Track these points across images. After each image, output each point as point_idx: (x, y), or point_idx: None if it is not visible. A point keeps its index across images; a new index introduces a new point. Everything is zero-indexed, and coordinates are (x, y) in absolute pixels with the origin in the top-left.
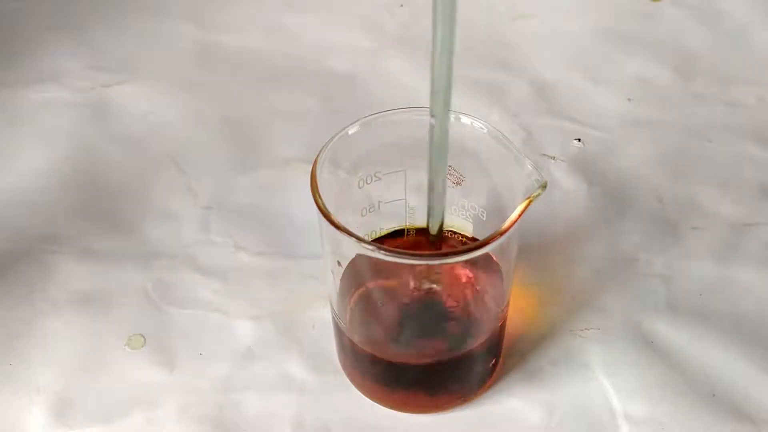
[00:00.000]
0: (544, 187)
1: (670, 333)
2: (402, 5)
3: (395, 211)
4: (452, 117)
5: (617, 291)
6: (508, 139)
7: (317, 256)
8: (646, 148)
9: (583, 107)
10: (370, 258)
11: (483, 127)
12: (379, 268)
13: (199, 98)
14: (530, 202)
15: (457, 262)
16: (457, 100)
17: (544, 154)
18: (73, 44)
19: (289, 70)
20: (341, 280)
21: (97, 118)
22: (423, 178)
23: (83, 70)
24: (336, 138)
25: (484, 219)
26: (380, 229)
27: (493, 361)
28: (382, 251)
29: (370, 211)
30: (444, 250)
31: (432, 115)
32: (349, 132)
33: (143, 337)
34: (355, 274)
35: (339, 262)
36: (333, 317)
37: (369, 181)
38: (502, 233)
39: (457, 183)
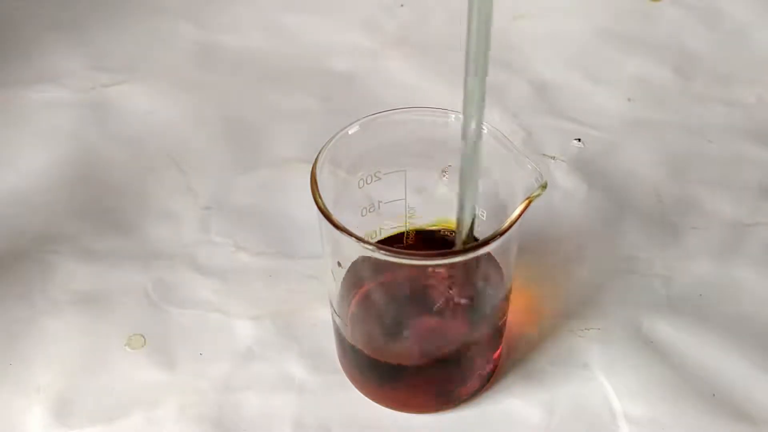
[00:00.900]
0: (544, 187)
1: (670, 333)
2: (402, 5)
3: (395, 211)
4: (453, 117)
5: (617, 291)
6: (508, 139)
7: (317, 256)
8: (646, 148)
9: (583, 107)
10: (369, 258)
11: (483, 127)
12: (379, 268)
13: (199, 98)
14: (530, 202)
15: (456, 263)
16: (457, 100)
17: (544, 154)
18: (73, 44)
19: (289, 70)
20: (341, 280)
21: (97, 118)
22: (423, 178)
23: (83, 70)
24: (336, 138)
25: (484, 219)
26: (380, 229)
27: (493, 361)
28: (382, 251)
29: (370, 211)
30: (444, 250)
31: (463, 139)
32: (349, 132)
33: (143, 337)
34: (355, 273)
35: (339, 263)
36: (333, 317)
37: (369, 181)
38: (502, 233)
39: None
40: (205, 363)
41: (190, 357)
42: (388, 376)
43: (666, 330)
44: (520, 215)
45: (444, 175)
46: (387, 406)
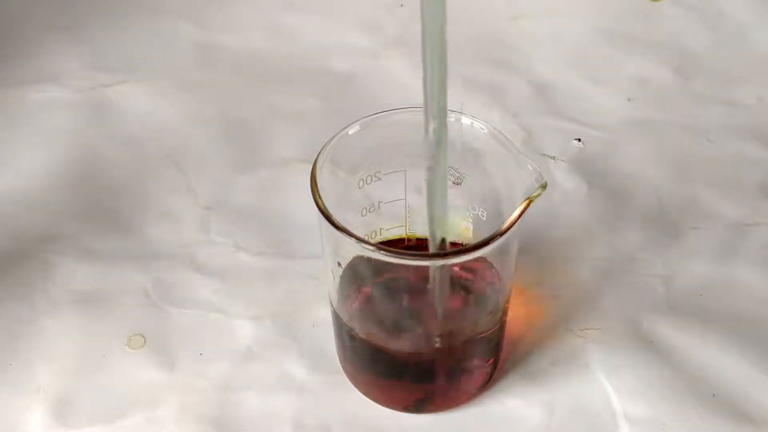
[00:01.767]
0: (544, 187)
1: (670, 333)
2: (402, 5)
3: (395, 211)
4: (453, 117)
5: (617, 291)
6: (508, 139)
7: (317, 256)
8: (646, 148)
9: (583, 107)
10: (369, 258)
11: (483, 127)
12: (379, 268)
13: (199, 98)
14: (530, 202)
15: (456, 263)
16: (457, 100)
17: (544, 154)
18: (73, 44)
19: (289, 70)
20: (341, 279)
21: (97, 118)
22: (423, 178)
23: (83, 70)
24: (336, 138)
25: (484, 219)
26: (380, 229)
27: (493, 361)
28: (382, 252)
29: (370, 211)
30: (444, 250)
31: (430, 117)
32: (349, 132)
33: (143, 337)
34: (355, 273)
35: (339, 263)
36: (333, 317)
37: (369, 181)
38: (502, 233)
39: (457, 183)
40: (205, 363)
41: (190, 357)
42: (388, 376)
43: (666, 330)
44: (520, 215)
45: None
46: (387, 405)
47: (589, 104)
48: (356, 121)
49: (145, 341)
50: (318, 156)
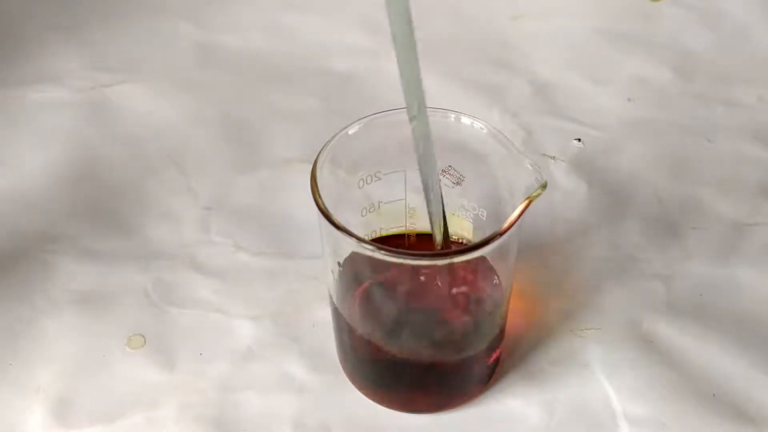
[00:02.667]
0: (544, 187)
1: (670, 333)
2: None
3: (395, 211)
4: (453, 117)
5: (617, 291)
6: (508, 139)
7: (317, 256)
8: (646, 148)
9: (583, 107)
10: (370, 258)
11: (483, 127)
12: (380, 268)
13: (199, 98)
14: (530, 202)
15: (456, 262)
16: (457, 100)
17: (544, 154)
18: (73, 44)
19: (289, 70)
20: (341, 279)
21: (97, 118)
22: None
23: (83, 70)
24: (336, 138)
25: (484, 219)
26: (380, 229)
27: (493, 360)
28: (383, 251)
29: (370, 211)
30: (444, 250)
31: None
32: (349, 132)
33: (143, 337)
34: (356, 273)
35: (339, 262)
36: (333, 317)
37: (369, 181)
38: (502, 233)
39: (457, 183)
40: (205, 363)
41: (190, 357)
42: (388, 376)
43: (666, 330)
44: (520, 215)
45: (444, 176)
46: (387, 406)
47: (589, 104)
48: (356, 121)
49: (145, 341)
50: (318, 156)
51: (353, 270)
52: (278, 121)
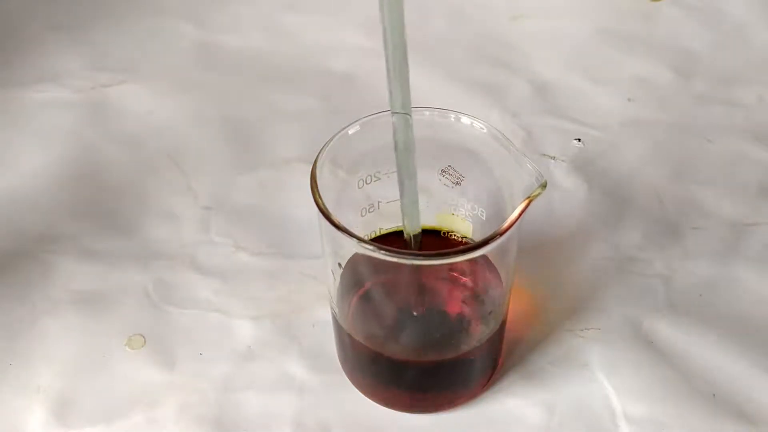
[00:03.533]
0: (544, 187)
1: (670, 333)
2: None
3: (395, 211)
4: (453, 117)
5: (617, 291)
6: (508, 139)
7: (317, 256)
8: (646, 148)
9: (583, 107)
10: (370, 258)
11: (483, 127)
12: (380, 268)
13: (199, 98)
14: (530, 202)
15: (456, 262)
16: (457, 100)
17: (544, 154)
18: (73, 44)
19: (289, 70)
20: (341, 279)
21: (97, 118)
22: (423, 178)
23: (83, 70)
24: (336, 138)
25: (484, 219)
26: (380, 229)
27: (493, 360)
28: (383, 251)
29: (370, 211)
30: (444, 250)
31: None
32: (349, 132)
33: (143, 337)
34: (356, 273)
35: (339, 263)
36: (333, 317)
37: (369, 181)
38: (502, 233)
39: (457, 183)
40: (205, 363)
41: (190, 357)
42: (388, 376)
43: (666, 330)
44: (520, 215)
45: (444, 175)
46: (387, 406)
47: (589, 104)
48: (356, 121)
49: (145, 341)
50: (318, 156)
51: (353, 270)
52: (278, 121)
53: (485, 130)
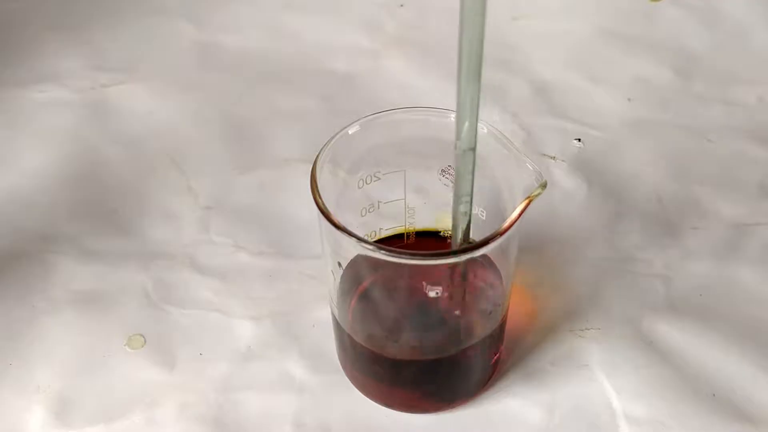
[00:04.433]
0: (544, 186)
1: (670, 333)
2: (402, 5)
3: (395, 211)
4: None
5: (617, 291)
6: (508, 139)
7: (317, 256)
8: (646, 148)
9: (583, 107)
10: (370, 258)
11: (483, 127)
12: (380, 268)
13: (199, 98)
14: (530, 201)
15: (456, 262)
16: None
17: (544, 154)
18: (73, 44)
19: (289, 70)
20: (341, 279)
21: (97, 118)
22: (423, 178)
23: (83, 70)
24: (336, 138)
25: (484, 219)
26: (380, 229)
27: (493, 361)
28: (383, 251)
29: (370, 211)
30: (444, 250)
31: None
32: (349, 132)
33: (143, 337)
34: (356, 273)
35: (339, 263)
36: (333, 317)
37: (369, 181)
38: (502, 233)
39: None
40: (205, 363)
41: (190, 357)
42: (389, 376)
43: (666, 330)
44: (520, 215)
45: (444, 175)
46: (387, 406)
47: (589, 104)
48: (356, 121)
49: (145, 341)
50: (318, 156)
51: (353, 270)
52: (278, 121)
53: (485, 130)
